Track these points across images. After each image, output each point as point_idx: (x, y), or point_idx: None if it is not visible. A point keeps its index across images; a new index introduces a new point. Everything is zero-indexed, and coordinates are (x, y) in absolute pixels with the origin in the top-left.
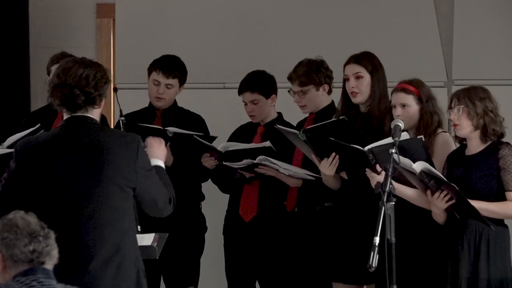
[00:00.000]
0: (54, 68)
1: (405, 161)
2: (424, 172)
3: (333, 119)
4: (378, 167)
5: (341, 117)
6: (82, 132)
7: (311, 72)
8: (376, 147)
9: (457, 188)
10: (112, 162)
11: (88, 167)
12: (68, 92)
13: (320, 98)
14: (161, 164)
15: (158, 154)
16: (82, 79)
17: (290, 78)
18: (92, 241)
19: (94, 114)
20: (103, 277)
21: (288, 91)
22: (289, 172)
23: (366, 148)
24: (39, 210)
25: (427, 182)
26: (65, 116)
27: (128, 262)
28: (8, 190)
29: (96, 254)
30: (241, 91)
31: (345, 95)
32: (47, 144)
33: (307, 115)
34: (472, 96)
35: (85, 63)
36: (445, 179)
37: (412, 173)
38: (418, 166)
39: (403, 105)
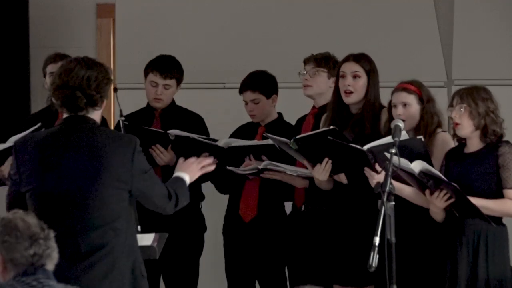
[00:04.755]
0: (49, 69)
1: (403, 161)
2: (422, 172)
3: (324, 129)
4: (377, 167)
5: (331, 127)
6: (79, 132)
7: (330, 60)
8: (375, 146)
9: (458, 188)
10: (108, 163)
11: (83, 167)
12: (69, 94)
13: (327, 88)
14: (186, 178)
15: (188, 171)
16: (84, 81)
17: (306, 60)
18: (85, 241)
19: (95, 115)
20: (94, 277)
21: (299, 73)
22: (296, 172)
23: (365, 147)
24: (33, 208)
25: (425, 182)
26: (65, 115)
27: (121, 263)
28: (17, 192)
29: (88, 254)
30: (242, 90)
31: (337, 94)
32: (44, 143)
33: (306, 112)
34: (475, 96)
35: (87, 63)
36: (445, 178)
37: (410, 173)
38: (417, 166)
39: (405, 104)
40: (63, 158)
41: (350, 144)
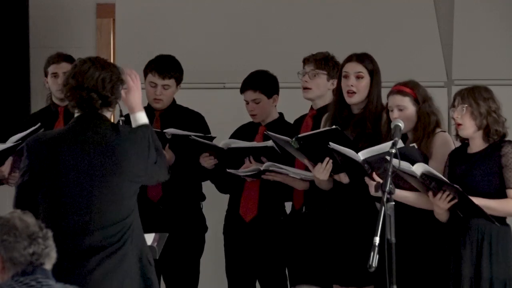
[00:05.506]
0: (51, 69)
1: (404, 164)
2: (425, 175)
3: (326, 128)
4: (375, 176)
5: (334, 127)
6: (94, 129)
7: (329, 61)
8: (371, 156)
9: (460, 189)
10: (124, 159)
11: (99, 163)
12: (85, 95)
13: (326, 90)
14: (145, 119)
15: (137, 102)
16: (99, 82)
17: (306, 59)
18: (99, 237)
19: (108, 116)
20: (104, 272)
21: (298, 73)
22: (300, 175)
23: (361, 157)
24: (48, 205)
25: (428, 184)
26: (77, 114)
27: (130, 255)
28: (27, 189)
29: (100, 249)
30: (243, 89)
31: (339, 94)
32: (58, 140)
33: (306, 113)
34: (476, 96)
35: (101, 64)
36: (446, 180)
37: (413, 176)
38: (418, 168)
39: (400, 108)
40: (79, 155)
41: (348, 155)
